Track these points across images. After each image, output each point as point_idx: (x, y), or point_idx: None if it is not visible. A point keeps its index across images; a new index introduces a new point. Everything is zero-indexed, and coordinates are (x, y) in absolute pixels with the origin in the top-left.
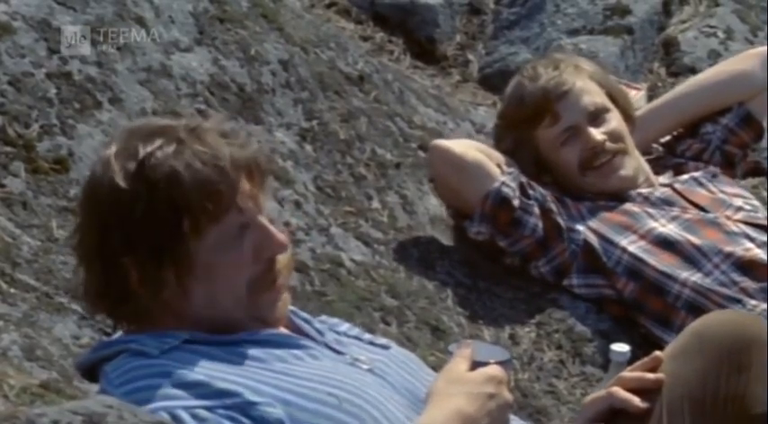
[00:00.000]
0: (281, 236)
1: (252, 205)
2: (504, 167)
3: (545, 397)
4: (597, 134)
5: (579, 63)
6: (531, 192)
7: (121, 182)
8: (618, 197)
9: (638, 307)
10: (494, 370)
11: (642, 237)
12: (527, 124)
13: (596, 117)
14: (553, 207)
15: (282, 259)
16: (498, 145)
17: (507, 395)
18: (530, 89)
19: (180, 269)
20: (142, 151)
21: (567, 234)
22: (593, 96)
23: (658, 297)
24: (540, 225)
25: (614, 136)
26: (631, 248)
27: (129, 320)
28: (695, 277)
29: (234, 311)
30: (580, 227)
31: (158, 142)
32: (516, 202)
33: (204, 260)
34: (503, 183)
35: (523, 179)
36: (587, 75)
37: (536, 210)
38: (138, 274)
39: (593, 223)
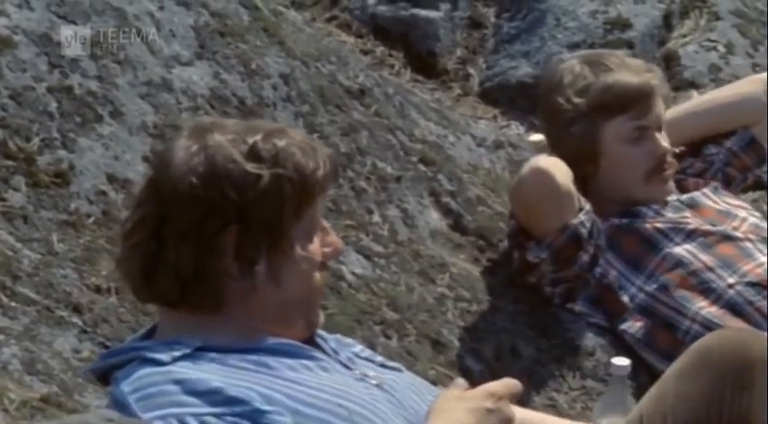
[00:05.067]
0: (341, 243)
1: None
2: (582, 200)
3: (545, 411)
4: (665, 142)
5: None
6: (594, 231)
7: (245, 163)
8: (633, 212)
9: (645, 343)
10: (494, 387)
11: (658, 266)
12: (611, 110)
13: (661, 128)
14: (602, 243)
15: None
16: (563, 132)
17: (508, 411)
18: (629, 78)
19: (278, 245)
20: (262, 137)
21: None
22: (663, 110)
23: (668, 333)
24: (588, 260)
25: (671, 151)
26: (648, 287)
27: (198, 305)
28: (706, 310)
29: (301, 306)
30: (600, 260)
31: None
32: (584, 243)
33: (298, 243)
34: (581, 223)
35: (594, 216)
36: (664, 90)
37: (592, 250)
38: (237, 247)
39: (610, 255)
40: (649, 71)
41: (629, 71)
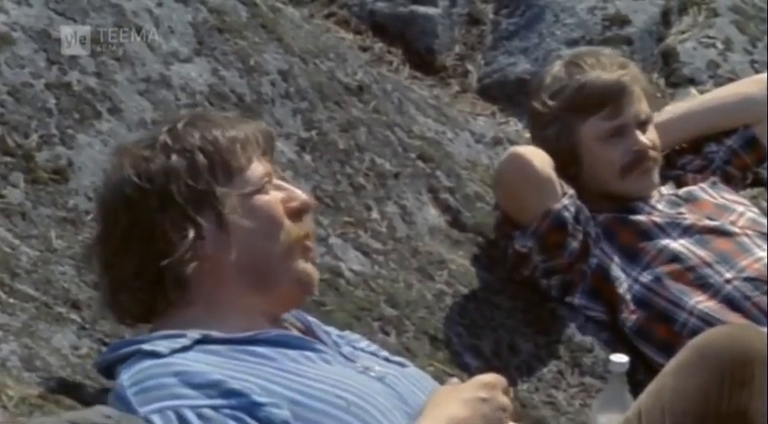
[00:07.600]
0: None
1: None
2: (565, 186)
3: (544, 408)
4: (645, 138)
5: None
6: (581, 217)
7: (135, 177)
8: (628, 208)
9: (642, 335)
10: (487, 377)
11: (654, 258)
12: (584, 111)
13: (644, 124)
14: (591, 231)
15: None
16: (541, 134)
17: (502, 399)
18: (599, 77)
19: (210, 211)
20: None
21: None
22: (645, 105)
23: (665, 326)
24: (578, 248)
25: (655, 146)
26: (643, 278)
27: (178, 297)
28: (703, 304)
29: (274, 259)
30: (595, 250)
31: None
32: (570, 228)
33: (242, 200)
34: (564, 207)
35: (579, 202)
36: (643, 85)
37: (580, 236)
38: (172, 228)
39: (606, 246)
40: (622, 67)
41: (601, 70)
